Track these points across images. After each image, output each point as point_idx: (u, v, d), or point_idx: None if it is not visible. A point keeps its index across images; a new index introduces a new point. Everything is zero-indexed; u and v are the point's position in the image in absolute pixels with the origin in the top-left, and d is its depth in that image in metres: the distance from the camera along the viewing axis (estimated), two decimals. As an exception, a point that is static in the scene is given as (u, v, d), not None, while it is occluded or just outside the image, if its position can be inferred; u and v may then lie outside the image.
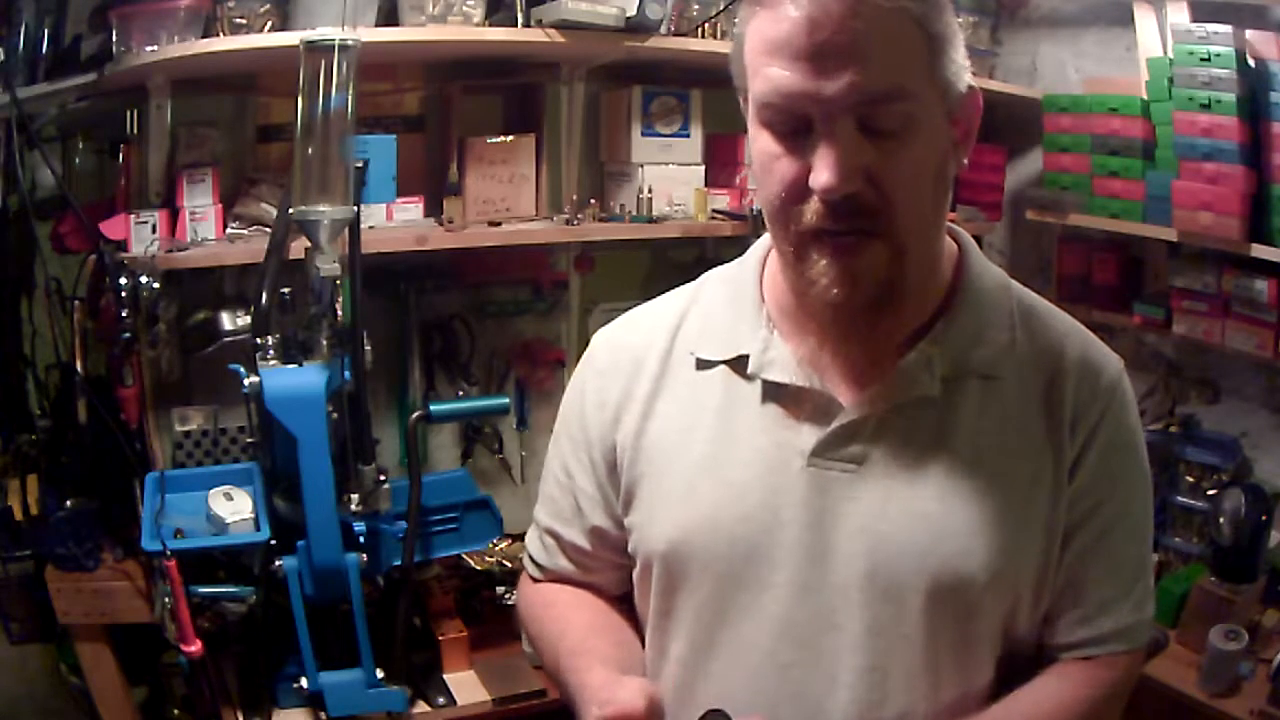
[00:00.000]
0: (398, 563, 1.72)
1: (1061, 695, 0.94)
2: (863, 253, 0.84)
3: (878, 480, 0.90)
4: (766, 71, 0.82)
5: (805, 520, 0.91)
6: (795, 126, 0.82)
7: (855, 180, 0.81)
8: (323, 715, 1.67)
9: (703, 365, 0.98)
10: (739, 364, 0.96)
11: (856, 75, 0.79)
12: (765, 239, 1.01)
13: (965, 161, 0.90)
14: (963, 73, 0.87)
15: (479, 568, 2.10)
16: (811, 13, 0.78)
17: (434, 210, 2.11)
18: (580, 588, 1.09)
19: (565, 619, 1.05)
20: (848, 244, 0.83)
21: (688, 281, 1.07)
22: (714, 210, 2.27)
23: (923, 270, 0.90)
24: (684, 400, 0.98)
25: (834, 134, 0.80)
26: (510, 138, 2.17)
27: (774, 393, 0.94)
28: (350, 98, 1.49)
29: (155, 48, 1.74)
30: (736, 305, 0.99)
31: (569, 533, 1.07)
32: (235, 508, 1.66)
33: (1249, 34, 2.00)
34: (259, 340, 1.63)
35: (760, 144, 0.86)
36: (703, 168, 2.30)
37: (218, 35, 1.82)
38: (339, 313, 1.59)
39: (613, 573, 1.07)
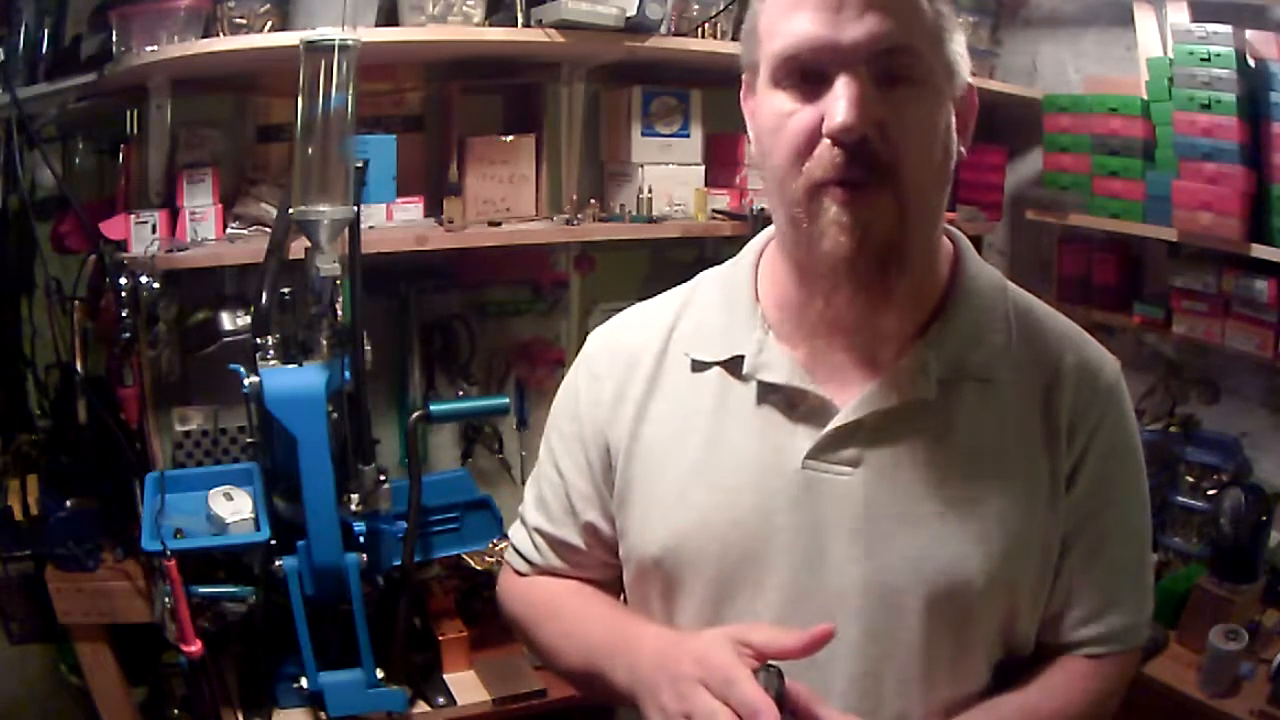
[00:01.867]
0: (398, 563, 1.72)
1: (1069, 690, 0.94)
2: (872, 202, 0.84)
3: (873, 484, 0.90)
4: (787, 26, 0.84)
5: (799, 524, 0.91)
6: (811, 79, 0.84)
7: (869, 124, 0.82)
8: (323, 715, 1.67)
9: (698, 367, 0.98)
10: (734, 365, 0.95)
11: (876, 25, 0.81)
12: (759, 239, 1.02)
13: (963, 151, 0.90)
14: (964, 64, 0.89)
15: (479, 568, 2.09)
16: None
17: (434, 210, 2.11)
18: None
19: (578, 609, 1.04)
20: (858, 192, 0.84)
21: (688, 281, 1.07)
22: (714, 210, 2.27)
23: (925, 251, 0.91)
24: (678, 402, 0.98)
25: (851, 78, 0.82)
26: (510, 138, 2.17)
27: (769, 394, 0.94)
28: (350, 98, 1.49)
29: (155, 48, 1.74)
30: (731, 306, 0.98)
31: (561, 532, 1.06)
32: (235, 508, 1.66)
33: (1249, 34, 2.00)
34: (259, 340, 1.63)
35: (773, 105, 0.87)
36: (703, 168, 2.30)
37: (218, 35, 1.82)
38: (339, 313, 1.59)
39: (603, 570, 1.07)
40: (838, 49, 0.82)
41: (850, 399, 0.91)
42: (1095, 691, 0.95)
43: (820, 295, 0.89)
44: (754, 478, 0.92)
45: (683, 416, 0.97)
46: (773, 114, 0.87)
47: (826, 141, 0.83)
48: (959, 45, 0.88)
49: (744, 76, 0.93)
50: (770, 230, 0.99)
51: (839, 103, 0.81)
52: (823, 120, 0.83)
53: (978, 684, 0.93)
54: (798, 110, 0.85)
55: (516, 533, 1.13)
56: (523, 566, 1.11)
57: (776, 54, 0.85)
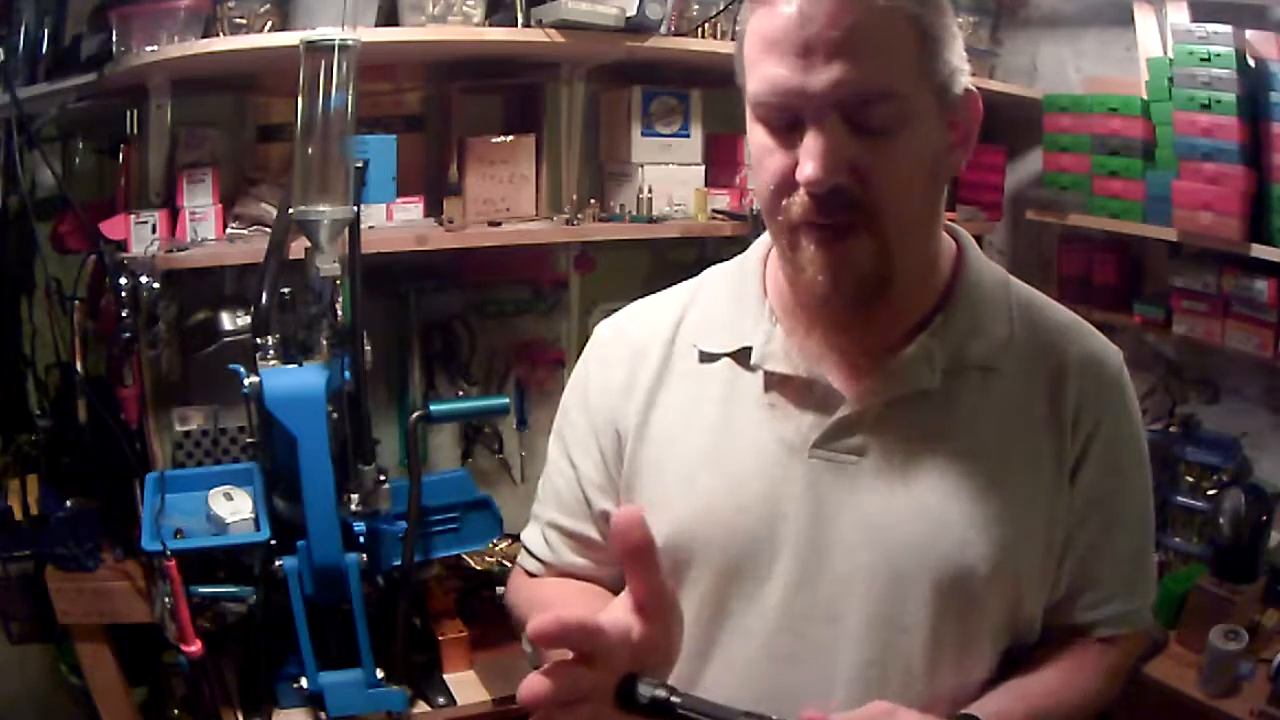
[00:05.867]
0: (398, 563, 1.72)
1: (1084, 672, 0.96)
2: (848, 243, 0.84)
3: (879, 472, 0.91)
4: (760, 69, 0.84)
5: (805, 512, 0.92)
6: (787, 121, 0.84)
7: (839, 173, 0.82)
8: (323, 715, 1.67)
9: (705, 358, 0.99)
10: (742, 356, 0.96)
11: (843, 71, 0.80)
12: (767, 236, 1.02)
13: (963, 162, 0.90)
14: (959, 75, 0.87)
15: (479, 568, 2.10)
16: (803, 8, 0.80)
17: (434, 210, 2.11)
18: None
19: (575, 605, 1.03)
20: (833, 235, 0.84)
21: (689, 280, 1.07)
22: (714, 210, 2.27)
23: (915, 267, 0.91)
24: (686, 391, 0.99)
25: (820, 128, 0.81)
26: (510, 138, 2.17)
27: (776, 384, 0.95)
28: (350, 98, 1.49)
29: (155, 48, 1.74)
30: (739, 299, 0.99)
31: (577, 525, 1.06)
32: (235, 508, 1.66)
33: (1249, 34, 2.00)
34: (259, 340, 1.63)
35: (755, 138, 0.87)
36: (703, 168, 2.30)
37: (218, 35, 1.82)
38: (339, 313, 1.58)
39: (619, 567, 1.06)
40: (806, 95, 0.81)
41: (856, 389, 0.92)
42: (1108, 672, 0.98)
43: (802, 325, 0.92)
44: (761, 466, 0.93)
45: (691, 405, 0.98)
46: (756, 147, 0.88)
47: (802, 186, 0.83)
48: (956, 55, 0.86)
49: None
50: None
51: (808, 155, 0.81)
52: (797, 164, 0.83)
53: (983, 672, 0.94)
54: (775, 151, 0.85)
55: (529, 532, 1.12)
56: (534, 566, 1.10)
57: (751, 95, 0.86)
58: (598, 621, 0.72)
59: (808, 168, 0.81)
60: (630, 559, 0.73)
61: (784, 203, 0.85)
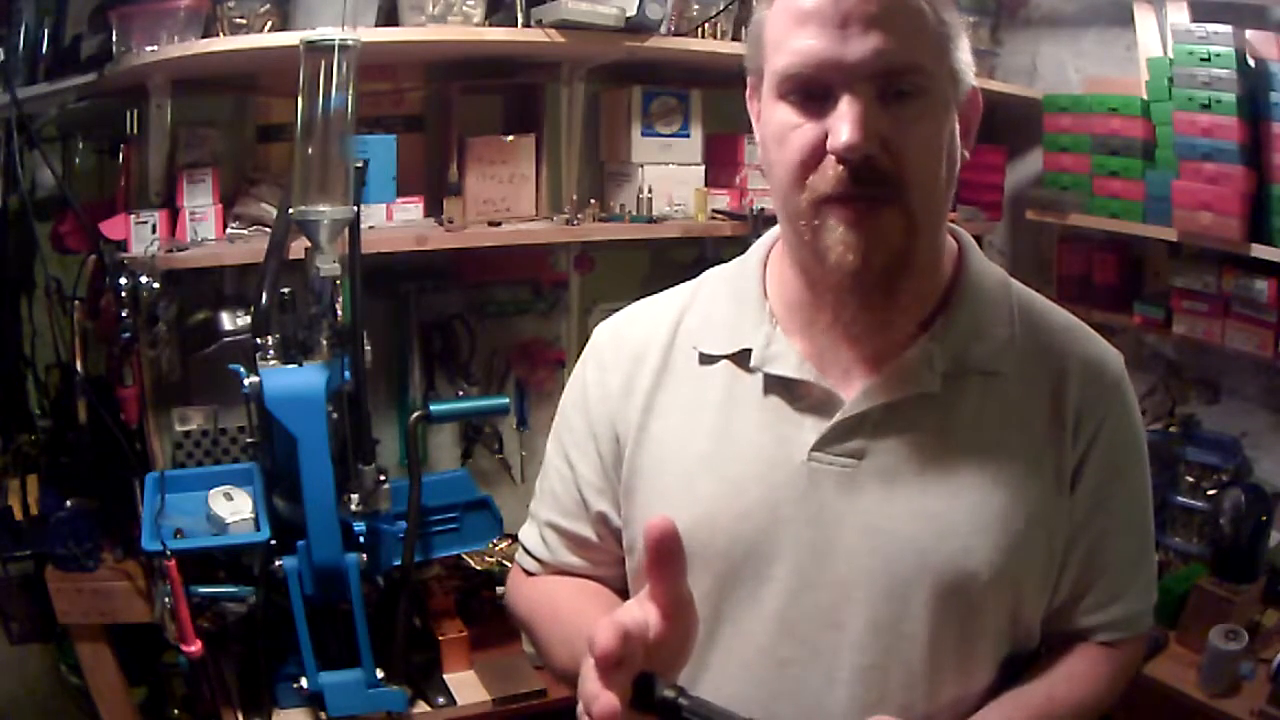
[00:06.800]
0: (398, 563, 1.72)
1: (1086, 677, 0.95)
2: (878, 218, 0.84)
3: (878, 476, 0.90)
4: (792, 43, 0.84)
5: (805, 516, 0.91)
6: (816, 95, 0.84)
7: (873, 142, 0.82)
8: (323, 715, 1.67)
9: (705, 360, 0.98)
10: (741, 359, 0.96)
11: (880, 43, 0.81)
12: (766, 238, 1.02)
13: (966, 155, 0.91)
14: (968, 69, 0.89)
15: (479, 568, 2.10)
16: None
17: (434, 210, 2.12)
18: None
19: (574, 611, 1.02)
20: (864, 208, 0.84)
21: (687, 282, 1.07)
22: (714, 210, 2.27)
23: (928, 255, 0.91)
24: (685, 394, 0.98)
25: (855, 97, 0.82)
26: (510, 138, 2.17)
27: (776, 387, 0.94)
28: (350, 98, 1.49)
29: (155, 48, 1.74)
30: (739, 301, 0.99)
31: (574, 526, 1.06)
32: (235, 508, 1.67)
33: (1249, 34, 2.00)
34: (259, 340, 1.63)
35: (777, 117, 0.87)
36: (703, 168, 2.30)
37: (218, 35, 1.83)
38: (339, 313, 1.59)
39: (615, 566, 1.06)
40: (841, 66, 0.82)
41: (856, 392, 0.92)
42: (1110, 676, 0.97)
43: (828, 307, 0.90)
44: (760, 470, 0.93)
45: (690, 409, 0.97)
46: (777, 126, 0.87)
47: (831, 158, 0.83)
48: (964, 52, 0.88)
49: (749, 79, 0.93)
50: (777, 229, 0.99)
51: (843, 121, 0.82)
52: (827, 136, 0.83)
53: (984, 678, 0.93)
54: (802, 125, 0.85)
55: (526, 532, 1.12)
56: (532, 566, 1.10)
57: (781, 70, 0.85)
58: (627, 628, 0.72)
59: (843, 132, 0.81)
60: (659, 565, 0.73)
61: (810, 179, 0.85)
